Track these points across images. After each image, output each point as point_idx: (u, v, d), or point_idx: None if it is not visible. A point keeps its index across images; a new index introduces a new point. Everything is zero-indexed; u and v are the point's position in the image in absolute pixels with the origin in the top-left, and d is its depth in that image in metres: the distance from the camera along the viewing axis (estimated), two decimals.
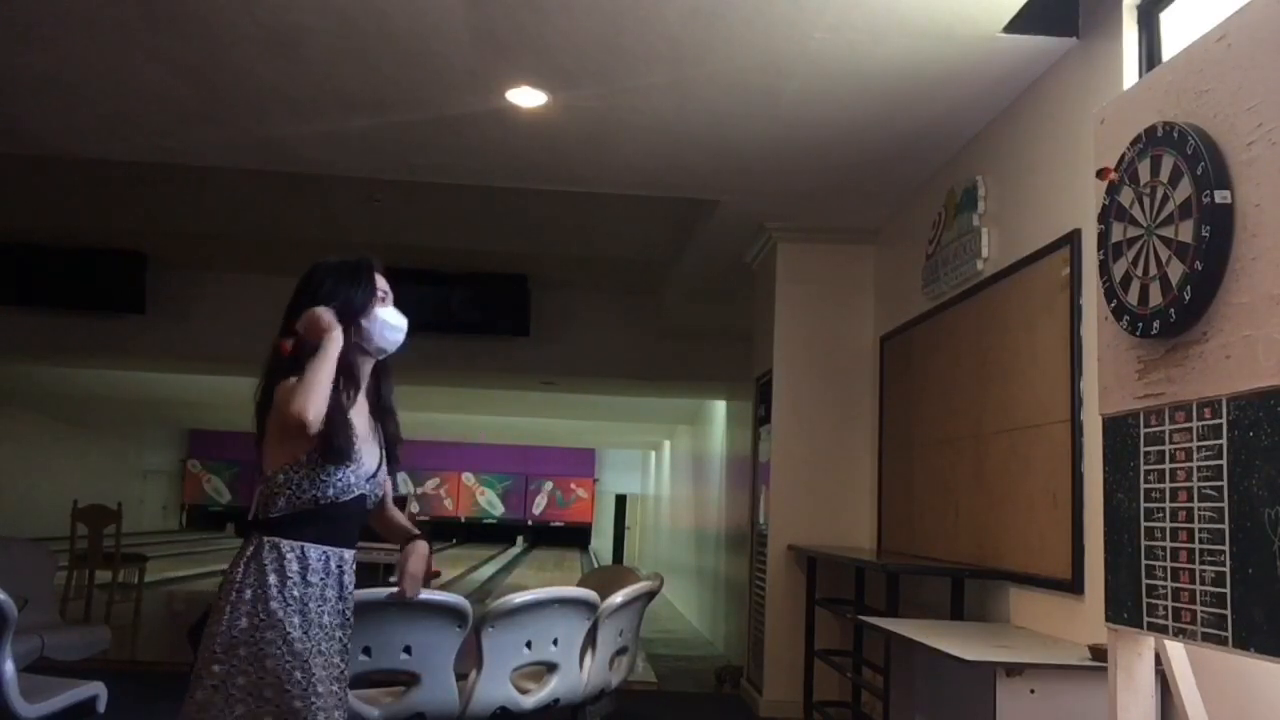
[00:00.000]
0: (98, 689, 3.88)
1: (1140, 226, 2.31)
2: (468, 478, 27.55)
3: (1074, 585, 3.54)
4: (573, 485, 27.71)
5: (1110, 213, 2.44)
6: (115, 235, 8.34)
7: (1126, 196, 2.37)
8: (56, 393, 15.78)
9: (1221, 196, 2.03)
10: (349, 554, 2.44)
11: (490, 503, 27.76)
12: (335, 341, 2.34)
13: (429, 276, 8.40)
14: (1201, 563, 2.05)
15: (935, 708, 3.65)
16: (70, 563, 8.87)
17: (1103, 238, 2.47)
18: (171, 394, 15.61)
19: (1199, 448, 2.08)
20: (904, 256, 5.59)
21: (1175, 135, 2.18)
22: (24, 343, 9.41)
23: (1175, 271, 2.16)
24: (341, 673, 2.39)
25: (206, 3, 3.79)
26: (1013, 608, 4.06)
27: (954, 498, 4.65)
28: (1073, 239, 3.70)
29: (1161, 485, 2.21)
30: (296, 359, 2.35)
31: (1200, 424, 2.09)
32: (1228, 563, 1.97)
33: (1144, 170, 2.30)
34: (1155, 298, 2.23)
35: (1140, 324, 2.28)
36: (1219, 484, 2.01)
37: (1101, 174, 2.48)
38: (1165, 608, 2.17)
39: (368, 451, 2.45)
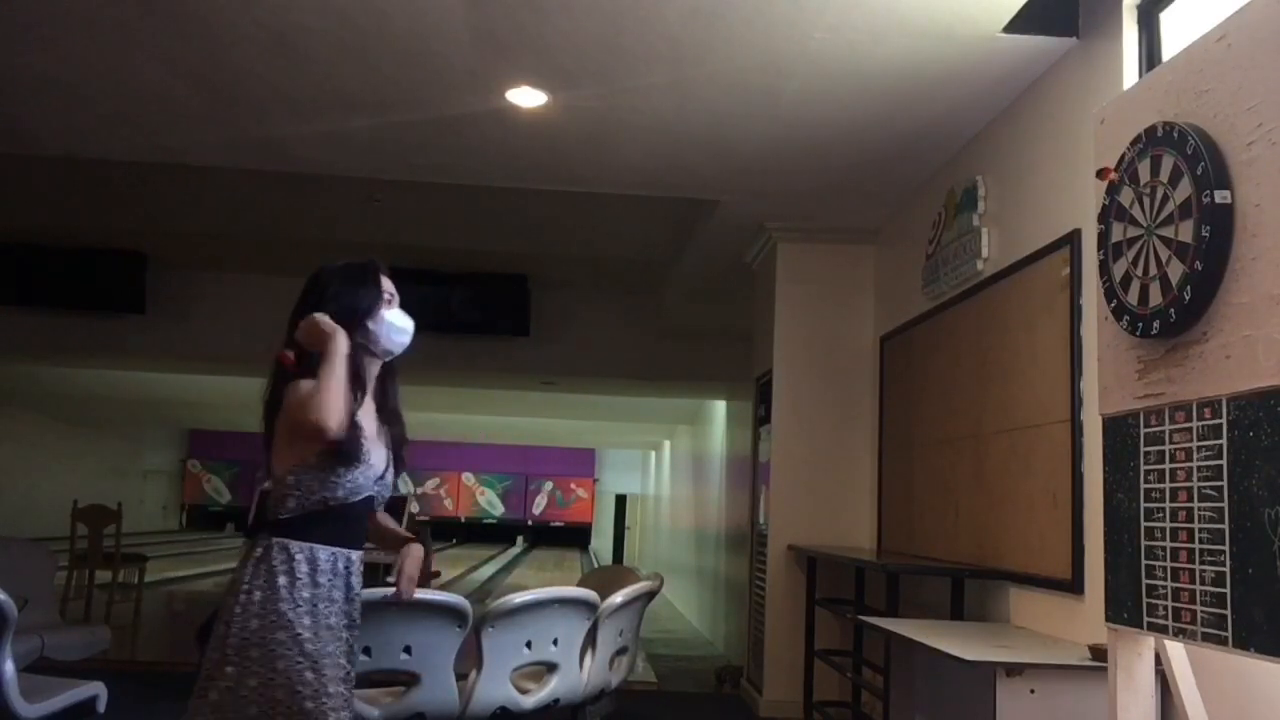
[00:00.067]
0: (98, 689, 3.88)
1: (1140, 226, 2.31)
2: (468, 478, 27.56)
3: (1074, 585, 3.54)
4: (573, 485, 27.71)
5: (1110, 213, 2.44)
6: (115, 235, 8.34)
7: (1126, 196, 2.37)
8: (56, 393, 15.78)
9: (1221, 196, 2.03)
10: (356, 555, 2.44)
11: (490, 503, 27.76)
12: (340, 345, 2.35)
13: (429, 276, 8.40)
14: (1201, 563, 2.05)
15: (935, 708, 3.65)
16: (70, 563, 8.87)
17: (1103, 238, 2.47)
18: (171, 394, 15.61)
19: (1199, 448, 2.08)
20: (904, 256, 5.59)
21: (1175, 135, 2.18)
22: (24, 343, 9.41)
23: (1175, 271, 2.16)
24: (348, 674, 2.39)
25: (206, 3, 3.79)
26: (1013, 608, 4.06)
27: (954, 498, 4.65)
28: (1073, 239, 3.70)
29: (1161, 485, 2.21)
30: (304, 366, 2.35)
31: (1200, 424, 2.09)
32: (1228, 563, 1.97)
33: (1144, 170, 2.30)
34: (1155, 298, 2.23)
35: (1140, 324, 2.28)
36: (1219, 484, 2.01)
37: (1101, 174, 2.48)
38: (1165, 608, 2.17)
39: (376, 453, 2.45)
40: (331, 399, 2.26)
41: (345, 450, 2.34)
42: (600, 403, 13.47)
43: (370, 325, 2.46)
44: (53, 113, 4.93)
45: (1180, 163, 2.16)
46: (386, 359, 2.54)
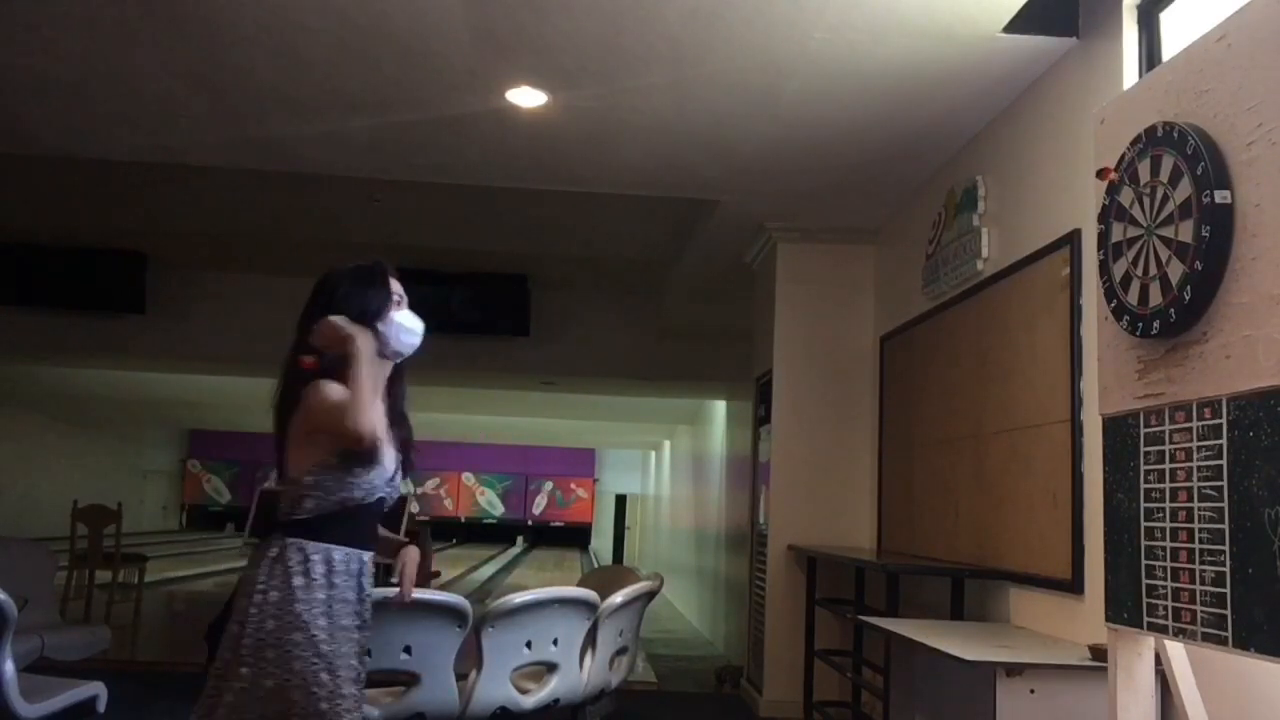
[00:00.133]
0: (98, 689, 3.88)
1: (1140, 226, 2.31)
2: (468, 478, 27.55)
3: (1074, 585, 3.54)
4: (573, 485, 27.71)
5: (1110, 213, 2.44)
6: (115, 235, 8.34)
7: (1126, 196, 2.37)
8: (56, 393, 15.78)
9: (1221, 196, 2.03)
10: (367, 556, 2.45)
11: (490, 503, 27.76)
12: (363, 347, 2.34)
13: (429, 276, 8.40)
14: (1201, 563, 2.05)
15: (935, 708, 3.65)
16: (70, 563, 8.87)
17: (1103, 238, 2.47)
18: (171, 394, 15.61)
19: (1199, 448, 2.08)
20: (904, 256, 5.59)
21: (1175, 135, 2.18)
22: (24, 343, 9.41)
23: (1175, 271, 2.16)
24: (359, 675, 2.39)
25: (206, 3, 3.79)
26: (1013, 608, 4.06)
27: (954, 498, 4.65)
28: (1073, 239, 3.70)
29: (1161, 485, 2.21)
30: (322, 370, 2.35)
31: (1200, 424, 2.09)
32: (1228, 563, 1.97)
33: (1144, 170, 2.30)
34: (1155, 298, 2.23)
35: (1140, 324, 2.28)
36: (1219, 484, 2.01)
37: (1101, 174, 2.48)
38: (1165, 608, 2.17)
39: (388, 454, 2.46)
40: (364, 405, 2.27)
41: (365, 451, 2.35)
42: (600, 403, 13.47)
43: (380, 327, 2.46)
44: (53, 113, 4.93)
45: (1180, 163, 2.16)
46: (397, 360, 2.54)
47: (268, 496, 6.78)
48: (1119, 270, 2.38)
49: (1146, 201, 2.29)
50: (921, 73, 4.08)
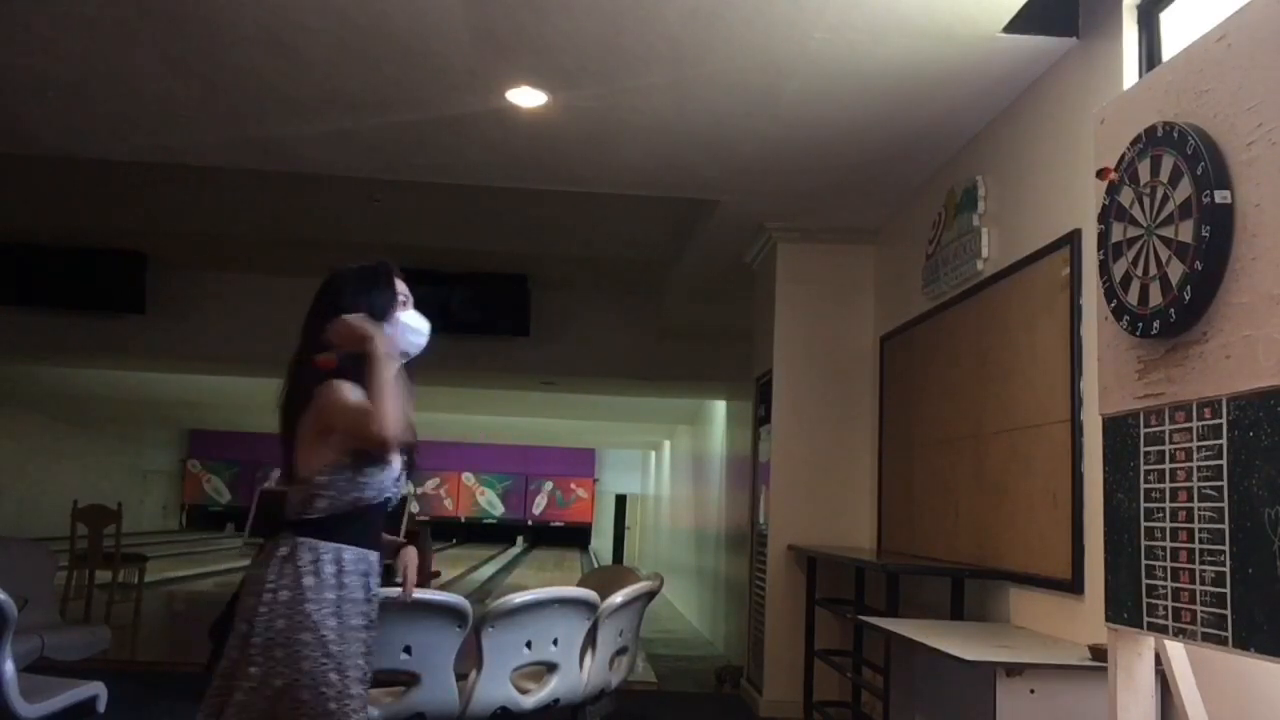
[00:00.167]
0: (98, 689, 3.88)
1: (1140, 226, 2.31)
2: (468, 478, 27.55)
3: (1074, 585, 3.54)
4: (573, 485, 27.71)
5: (1110, 213, 2.44)
6: (115, 235, 8.34)
7: (1126, 196, 2.37)
8: (56, 393, 15.78)
9: (1221, 196, 2.03)
10: (374, 555, 2.45)
11: (490, 503, 27.76)
12: (382, 347, 2.34)
13: (429, 276, 8.39)
14: (1201, 563, 2.05)
15: (935, 708, 3.65)
16: (70, 563, 8.87)
17: (1103, 238, 2.47)
18: (171, 394, 15.61)
19: (1199, 448, 2.08)
20: (904, 256, 5.59)
21: (1175, 135, 2.18)
22: (24, 343, 9.41)
23: (1175, 271, 2.16)
24: (365, 675, 2.39)
25: (206, 3, 3.79)
26: (1013, 608, 4.06)
27: (954, 498, 4.65)
28: (1073, 239, 3.70)
29: (1161, 485, 2.21)
30: (339, 369, 2.35)
31: (1200, 424, 2.09)
32: (1228, 563, 1.97)
33: (1144, 170, 2.30)
34: (1155, 298, 2.23)
35: (1140, 324, 2.28)
36: (1219, 484, 2.01)
37: (1101, 174, 2.48)
38: (1165, 608, 2.17)
39: (395, 454, 2.46)
40: (388, 409, 2.26)
41: (379, 452, 2.35)
42: (600, 403, 13.47)
43: (386, 328, 2.45)
44: (53, 113, 4.93)
45: (1180, 163, 2.16)
46: (403, 361, 2.53)
47: (268, 496, 6.78)
48: (1119, 270, 2.38)
49: (1146, 201, 2.29)
50: (921, 73, 4.08)
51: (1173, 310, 2.16)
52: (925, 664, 3.70)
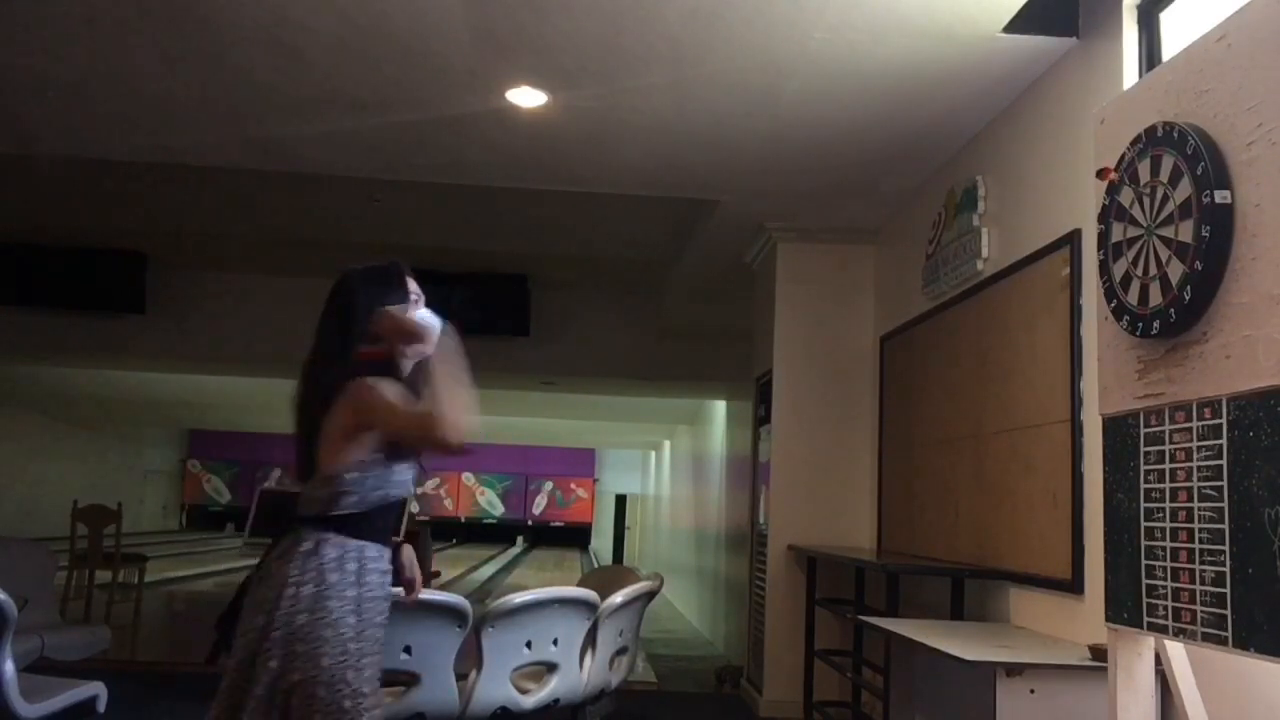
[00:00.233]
0: (98, 689, 3.88)
1: (1140, 226, 2.31)
2: (468, 478, 27.55)
3: (1074, 585, 3.54)
4: (573, 485, 27.71)
5: (1110, 213, 2.44)
6: (115, 235, 8.33)
7: (1126, 196, 2.37)
8: (56, 393, 15.78)
9: (1221, 196, 2.03)
10: (388, 552, 2.46)
11: (490, 503, 27.76)
12: (439, 346, 2.36)
13: (429, 276, 8.24)
14: (1201, 563, 2.05)
15: (935, 708, 3.65)
16: (70, 563, 8.87)
17: (1103, 238, 2.47)
18: (171, 394, 15.61)
19: (1199, 448, 2.08)
20: (904, 256, 5.59)
21: (1175, 135, 2.18)
22: (24, 343, 9.41)
23: (1175, 271, 2.16)
24: (377, 674, 2.39)
25: (206, 3, 3.79)
26: (1013, 608, 4.06)
27: (954, 498, 4.65)
28: (1073, 239, 3.70)
29: (1161, 485, 2.21)
30: (383, 362, 2.34)
31: (1200, 424, 2.09)
32: (1228, 563, 1.97)
33: (1144, 170, 2.30)
34: (1155, 298, 2.23)
35: (1140, 324, 2.28)
36: (1219, 484, 2.01)
37: (1101, 174, 2.48)
38: (1165, 608, 2.17)
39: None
40: (460, 413, 2.27)
41: (409, 447, 2.36)
42: (600, 403, 13.46)
43: None
44: (53, 113, 4.93)
45: (1180, 163, 2.16)
46: (417, 360, 2.53)
47: (269, 496, 6.78)
48: (1119, 270, 2.39)
49: (1146, 201, 2.29)
50: (921, 73, 4.08)
51: (1173, 310, 2.16)
52: (925, 664, 3.70)
